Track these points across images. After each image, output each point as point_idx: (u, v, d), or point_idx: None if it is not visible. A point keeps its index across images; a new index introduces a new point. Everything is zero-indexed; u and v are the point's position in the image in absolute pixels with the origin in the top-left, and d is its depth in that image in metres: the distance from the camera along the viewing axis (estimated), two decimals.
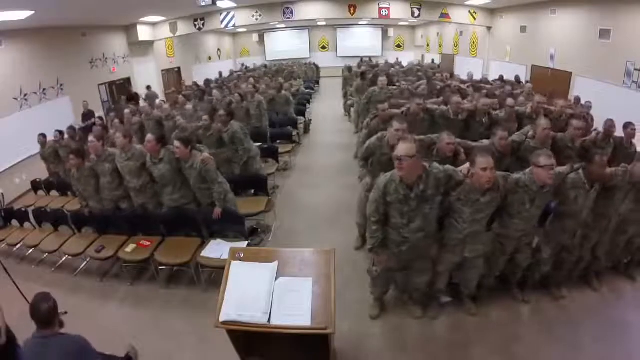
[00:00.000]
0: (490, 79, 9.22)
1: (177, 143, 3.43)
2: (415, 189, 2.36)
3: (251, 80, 9.39)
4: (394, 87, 6.81)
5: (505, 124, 3.92)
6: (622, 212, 2.88)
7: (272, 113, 7.66)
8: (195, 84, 11.46)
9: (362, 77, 7.86)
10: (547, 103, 4.88)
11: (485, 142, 3.50)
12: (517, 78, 8.52)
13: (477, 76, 9.87)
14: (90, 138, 3.85)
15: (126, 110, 6.50)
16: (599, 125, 4.95)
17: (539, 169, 2.41)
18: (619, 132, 3.85)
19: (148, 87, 10.37)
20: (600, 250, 3.08)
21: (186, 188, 3.72)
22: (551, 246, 2.91)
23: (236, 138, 4.65)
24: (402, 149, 2.27)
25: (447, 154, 3.09)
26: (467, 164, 2.46)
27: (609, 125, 3.75)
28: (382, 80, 6.47)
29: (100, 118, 7.86)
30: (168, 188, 3.69)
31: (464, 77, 9.56)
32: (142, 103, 8.94)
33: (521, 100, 5.03)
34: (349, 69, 11.47)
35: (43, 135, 5.80)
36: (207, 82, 11.17)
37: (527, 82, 8.21)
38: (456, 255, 2.73)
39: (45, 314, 1.91)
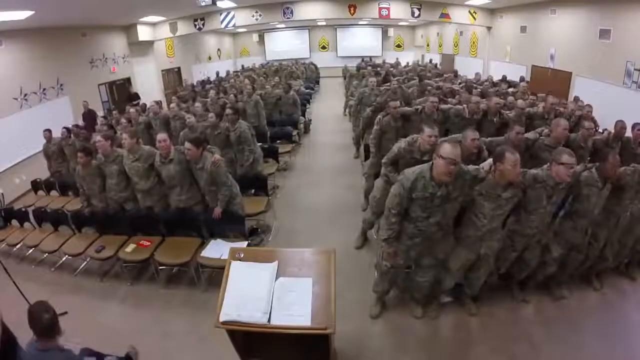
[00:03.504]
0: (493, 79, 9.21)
1: (188, 145, 3.37)
2: (442, 188, 2.37)
3: (246, 81, 9.40)
4: (386, 87, 6.83)
5: (514, 124, 3.95)
6: (633, 212, 2.89)
7: (277, 112, 7.68)
8: (193, 85, 11.48)
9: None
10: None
11: (500, 138, 3.52)
12: (522, 78, 8.53)
13: (484, 77, 9.86)
14: (98, 137, 3.80)
15: (132, 110, 6.49)
16: (600, 125, 5.01)
17: (560, 166, 2.42)
18: (627, 133, 3.89)
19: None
20: (609, 251, 3.09)
21: (194, 189, 3.69)
22: (562, 245, 2.91)
23: (243, 137, 4.63)
24: (456, 153, 2.25)
25: (472, 150, 3.07)
26: (490, 160, 2.48)
27: (620, 126, 3.82)
28: (372, 81, 6.48)
29: (105, 117, 7.84)
30: (176, 189, 3.66)
31: (470, 77, 9.57)
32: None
33: (511, 100, 5.09)
34: (358, 69, 11.46)
35: (49, 131, 5.76)
36: (203, 82, 11.16)
37: (522, 81, 8.25)
38: (473, 252, 2.73)
39: (47, 324, 1.85)
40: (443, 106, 4.42)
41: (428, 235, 2.58)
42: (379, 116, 4.25)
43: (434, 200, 2.41)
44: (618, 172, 2.69)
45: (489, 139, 3.52)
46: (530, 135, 3.60)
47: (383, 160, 3.42)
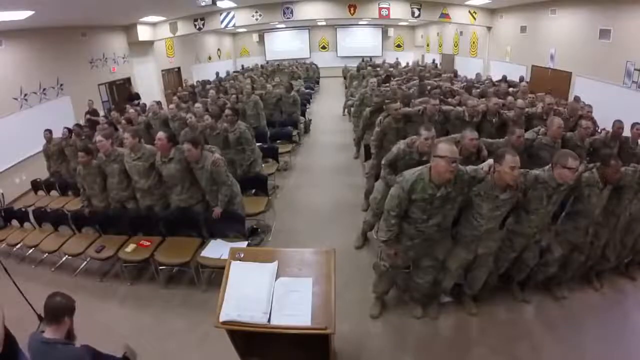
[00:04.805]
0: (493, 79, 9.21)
1: (187, 145, 3.38)
2: (442, 190, 2.37)
3: (248, 80, 9.40)
4: (386, 88, 6.84)
5: (515, 126, 3.96)
6: (632, 212, 2.90)
7: (277, 112, 7.68)
8: (192, 85, 11.48)
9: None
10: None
11: (501, 140, 3.53)
12: (521, 78, 8.54)
13: (484, 77, 9.85)
14: (99, 137, 3.81)
15: (131, 110, 6.49)
16: (600, 125, 5.02)
17: (565, 169, 2.40)
18: (625, 132, 3.91)
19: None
20: (610, 251, 3.09)
21: (195, 188, 3.69)
22: (562, 246, 2.91)
23: (243, 138, 4.62)
24: (453, 150, 2.26)
25: (470, 149, 3.08)
26: (490, 160, 2.47)
27: (618, 126, 3.85)
28: (372, 81, 6.49)
29: (105, 117, 7.84)
30: (177, 188, 3.66)
31: (470, 77, 9.57)
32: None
33: (510, 100, 5.11)
34: (358, 69, 11.49)
35: (49, 131, 5.77)
36: (204, 82, 11.17)
37: (521, 81, 8.25)
38: (470, 252, 2.72)
39: (55, 306, 1.86)
40: (445, 107, 4.45)
41: (427, 236, 2.58)
42: (379, 117, 4.26)
43: (434, 202, 2.41)
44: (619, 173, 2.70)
45: (490, 140, 3.52)
46: (529, 135, 3.64)
47: (382, 162, 3.43)
